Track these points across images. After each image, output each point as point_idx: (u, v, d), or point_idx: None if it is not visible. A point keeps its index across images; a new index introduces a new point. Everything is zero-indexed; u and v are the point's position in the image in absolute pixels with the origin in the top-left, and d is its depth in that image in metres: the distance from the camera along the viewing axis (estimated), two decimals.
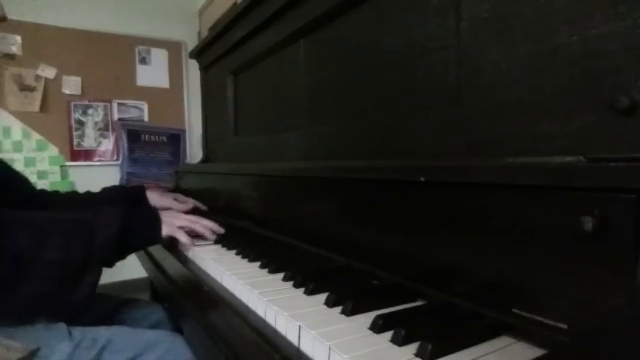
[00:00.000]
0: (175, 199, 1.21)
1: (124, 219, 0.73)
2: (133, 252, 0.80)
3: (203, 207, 1.26)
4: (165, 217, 0.83)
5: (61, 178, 2.63)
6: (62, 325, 0.70)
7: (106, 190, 1.13)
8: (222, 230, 0.93)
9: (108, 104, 2.77)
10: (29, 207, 0.92)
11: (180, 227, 0.85)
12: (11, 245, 0.62)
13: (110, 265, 0.73)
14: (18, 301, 0.64)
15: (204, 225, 0.91)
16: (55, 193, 1.10)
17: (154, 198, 1.17)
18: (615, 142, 0.40)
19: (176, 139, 2.95)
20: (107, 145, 2.79)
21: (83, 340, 0.69)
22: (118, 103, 2.80)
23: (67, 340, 0.68)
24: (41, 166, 2.58)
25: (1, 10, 0.89)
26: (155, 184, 2.77)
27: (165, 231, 0.81)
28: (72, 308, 0.69)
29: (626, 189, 0.33)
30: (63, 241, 0.66)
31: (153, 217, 0.82)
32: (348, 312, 0.49)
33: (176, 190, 1.64)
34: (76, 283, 0.67)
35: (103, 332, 0.72)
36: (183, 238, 0.84)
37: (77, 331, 0.70)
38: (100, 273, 0.70)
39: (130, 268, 1.22)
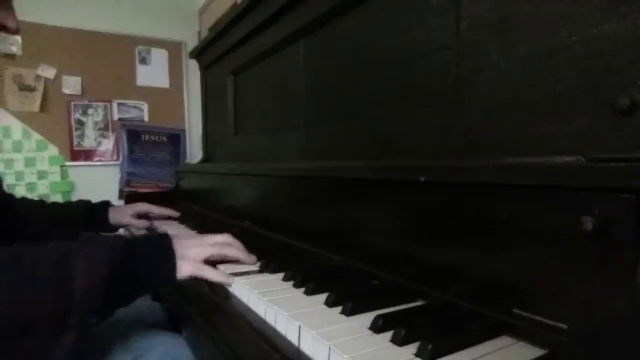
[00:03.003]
0: (139, 213, 1.12)
1: (118, 258, 0.53)
2: (135, 298, 0.58)
3: (175, 214, 1.19)
4: (181, 247, 0.60)
5: (61, 178, 2.63)
6: None
7: (71, 205, 1.06)
8: (254, 257, 0.71)
9: (108, 104, 2.77)
10: None
11: (206, 260, 0.63)
12: None
13: (103, 317, 0.54)
14: None
15: (238, 246, 0.70)
16: (24, 199, 1.02)
17: (115, 218, 1.07)
18: (615, 142, 0.40)
19: (176, 139, 2.95)
20: (107, 145, 2.79)
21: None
22: (118, 103, 2.80)
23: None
24: (41, 166, 2.58)
25: (15, 21, 0.74)
26: (155, 183, 2.77)
27: (186, 271, 0.59)
28: None
29: (626, 189, 0.33)
30: (16, 293, 0.47)
31: (163, 253, 0.59)
32: (348, 312, 0.49)
33: (176, 189, 1.64)
34: (42, 348, 0.48)
35: (100, 335, 0.71)
36: (214, 276, 0.61)
37: None
38: (87, 330, 0.50)
39: None
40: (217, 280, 0.62)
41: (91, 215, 1.06)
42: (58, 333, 0.49)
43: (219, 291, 0.62)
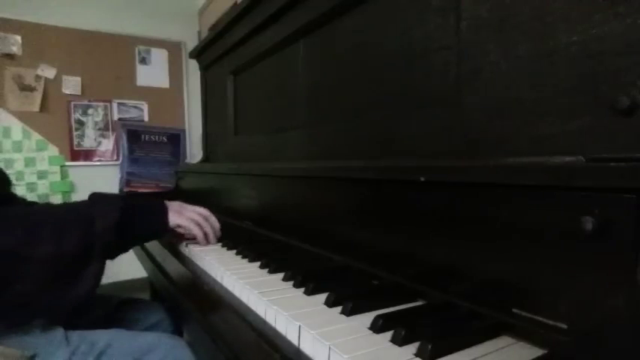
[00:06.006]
0: None
1: (126, 206, 0.69)
2: (137, 243, 0.75)
3: None
4: (173, 206, 0.79)
5: (61, 178, 2.63)
6: (59, 330, 0.69)
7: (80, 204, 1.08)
8: (219, 234, 0.89)
9: (108, 104, 2.77)
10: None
11: (190, 219, 0.80)
12: (1, 242, 0.59)
13: (112, 257, 0.70)
14: (12, 300, 0.61)
15: (213, 226, 0.86)
16: (32, 203, 1.02)
17: None
18: (615, 142, 0.40)
19: (176, 139, 2.95)
20: (107, 145, 2.79)
21: (81, 344, 0.68)
22: (118, 103, 2.80)
23: (64, 346, 0.67)
24: (41, 166, 2.58)
25: None
26: (155, 183, 2.78)
27: (174, 220, 0.77)
28: (74, 303, 0.65)
29: (626, 189, 0.33)
30: (57, 235, 0.62)
31: (159, 206, 0.77)
32: (348, 312, 0.49)
33: (176, 190, 1.64)
34: (75, 277, 0.63)
35: (101, 336, 0.71)
36: (195, 229, 0.78)
37: (75, 336, 0.69)
38: (103, 264, 0.66)
39: (130, 268, 1.21)
40: (196, 233, 0.79)
41: None
42: (86, 264, 0.64)
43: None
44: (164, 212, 0.76)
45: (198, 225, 0.82)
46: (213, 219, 0.87)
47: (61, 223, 0.63)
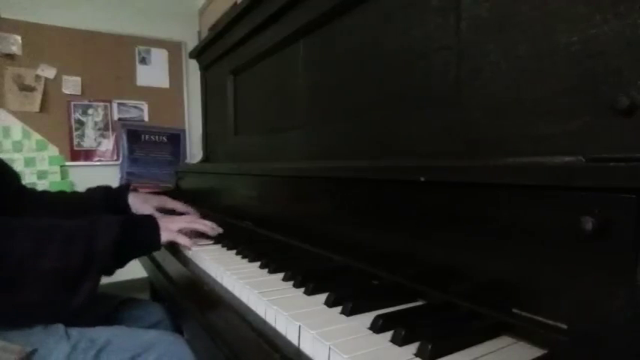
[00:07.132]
0: (161, 206, 1.16)
1: (123, 228, 0.73)
2: (131, 259, 0.79)
3: (194, 212, 1.21)
4: (163, 222, 0.83)
5: (61, 178, 2.63)
6: (60, 326, 0.70)
7: (91, 191, 1.10)
8: (220, 230, 0.92)
9: (108, 104, 2.77)
10: (16, 203, 0.91)
11: (179, 230, 0.84)
12: (10, 250, 0.62)
13: (109, 273, 0.73)
14: (14, 305, 0.64)
15: (204, 223, 0.90)
16: (43, 192, 1.08)
17: (136, 204, 1.12)
18: (615, 142, 0.40)
19: (176, 139, 2.95)
20: (107, 145, 2.79)
21: (81, 340, 0.69)
22: (118, 103, 2.80)
23: (64, 341, 0.68)
24: (41, 166, 2.58)
25: None
26: (155, 183, 2.77)
27: (165, 237, 0.81)
28: (68, 313, 0.69)
29: (626, 189, 0.33)
30: (63, 249, 0.66)
31: (151, 225, 0.81)
32: (348, 312, 0.49)
33: (176, 190, 1.64)
34: (73, 289, 0.67)
35: (101, 333, 0.72)
36: (183, 240, 0.83)
37: (75, 332, 0.70)
38: (98, 280, 0.70)
39: (130, 268, 1.21)
40: (183, 243, 0.83)
41: (110, 202, 1.08)
42: (82, 281, 0.67)
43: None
44: (157, 232, 0.80)
45: (189, 232, 0.87)
46: (202, 221, 0.92)
47: (67, 240, 0.67)
